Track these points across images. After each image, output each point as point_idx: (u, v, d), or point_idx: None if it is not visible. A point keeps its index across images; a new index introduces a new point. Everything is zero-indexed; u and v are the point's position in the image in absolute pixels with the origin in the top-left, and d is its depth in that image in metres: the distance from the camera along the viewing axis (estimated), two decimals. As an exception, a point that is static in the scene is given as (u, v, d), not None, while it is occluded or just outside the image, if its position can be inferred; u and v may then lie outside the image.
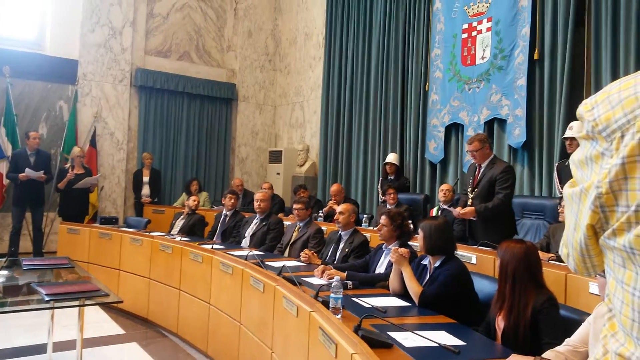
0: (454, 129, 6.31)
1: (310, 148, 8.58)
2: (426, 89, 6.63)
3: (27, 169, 6.20)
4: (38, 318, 4.17)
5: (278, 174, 8.75)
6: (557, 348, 1.88)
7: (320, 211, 6.05)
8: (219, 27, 9.16)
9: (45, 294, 2.88)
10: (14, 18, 7.48)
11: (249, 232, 5.07)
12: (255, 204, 5.07)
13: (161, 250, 4.62)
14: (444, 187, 5.25)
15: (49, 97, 7.48)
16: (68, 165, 6.76)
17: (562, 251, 0.77)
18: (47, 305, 2.90)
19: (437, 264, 2.82)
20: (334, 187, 6.32)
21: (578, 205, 0.71)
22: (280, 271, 3.13)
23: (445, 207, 4.78)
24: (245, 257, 3.68)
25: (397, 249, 2.92)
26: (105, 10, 7.87)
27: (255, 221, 5.10)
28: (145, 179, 7.70)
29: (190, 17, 8.80)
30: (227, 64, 9.25)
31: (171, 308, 4.41)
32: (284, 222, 5.20)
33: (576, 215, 0.72)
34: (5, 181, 6.84)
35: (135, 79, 8.16)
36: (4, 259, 4.15)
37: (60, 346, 3.77)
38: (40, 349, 3.82)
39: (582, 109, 0.72)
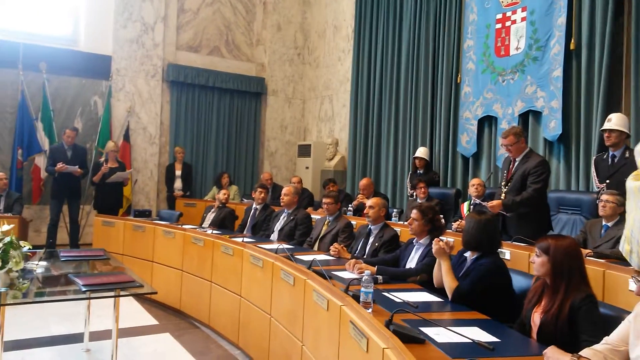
0: (487, 122, 6.18)
1: (339, 142, 8.56)
2: (458, 81, 6.51)
3: (63, 164, 6.36)
4: (75, 308, 4.30)
5: (307, 167, 8.76)
6: (596, 346, 1.82)
7: (350, 205, 6.02)
8: (248, 22, 9.20)
9: (82, 285, 2.95)
10: (49, 15, 7.68)
11: (277, 226, 5.10)
12: (282, 198, 5.11)
13: (193, 243, 4.69)
14: (475, 181, 5.16)
15: (84, 92, 7.66)
16: (103, 159, 6.94)
17: (624, 248, 0.73)
18: (84, 296, 2.98)
19: (473, 258, 2.77)
20: (363, 181, 6.28)
21: None
22: (310, 265, 3.13)
23: (478, 201, 4.69)
24: (275, 251, 3.69)
25: (439, 240, 2.87)
26: (137, 6, 8.00)
27: (283, 215, 5.13)
28: (178, 172, 7.83)
29: (220, 11, 8.87)
30: (256, 58, 9.29)
31: (203, 300, 4.48)
32: (313, 216, 5.20)
33: None
34: (43, 175, 7.06)
35: (167, 74, 8.28)
36: (42, 251, 4.28)
37: (96, 335, 3.87)
38: (77, 337, 3.94)
39: None
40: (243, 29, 9.16)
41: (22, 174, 7.05)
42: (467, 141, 6.35)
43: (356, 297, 2.33)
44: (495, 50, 6.01)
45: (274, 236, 5.04)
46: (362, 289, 2.30)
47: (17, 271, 3.05)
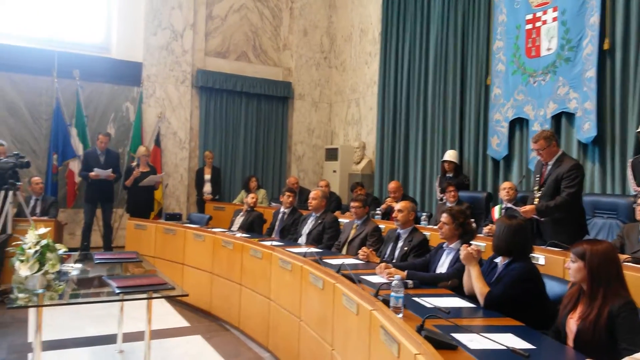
0: (518, 124, 6.07)
1: (366, 145, 8.53)
2: (487, 83, 6.42)
3: (96, 169, 6.53)
4: (109, 309, 4.39)
5: (334, 171, 8.76)
6: (635, 355, 1.76)
7: (378, 209, 6.00)
8: (275, 27, 9.27)
9: (116, 287, 3.02)
10: (82, 24, 7.91)
11: (305, 229, 5.11)
12: (309, 202, 5.12)
13: (223, 246, 4.74)
14: (506, 185, 5.06)
15: (116, 98, 7.85)
16: (134, 163, 7.09)
17: None
18: (117, 298, 3.04)
19: (504, 264, 2.72)
20: (392, 184, 6.24)
21: None
22: (339, 269, 3.13)
23: (510, 205, 4.60)
24: (304, 254, 3.70)
25: (467, 246, 2.84)
26: (166, 13, 8.16)
27: (311, 219, 5.14)
28: (207, 176, 7.94)
29: (247, 17, 8.97)
30: (283, 63, 9.36)
31: (233, 302, 4.52)
32: (341, 220, 5.20)
33: None
34: (77, 179, 7.25)
35: (196, 80, 8.41)
36: (77, 253, 4.39)
37: (129, 337, 3.94)
38: (110, 339, 4.03)
39: None
40: (270, 34, 9.24)
41: (57, 179, 7.26)
42: (497, 144, 6.25)
43: (386, 302, 2.32)
44: (526, 51, 5.91)
45: (302, 240, 5.05)
46: (393, 293, 2.28)
47: (53, 273, 3.13)
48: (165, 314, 4.90)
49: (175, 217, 6.28)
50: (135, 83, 7.94)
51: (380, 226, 4.66)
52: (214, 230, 5.23)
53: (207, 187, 7.90)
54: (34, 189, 6.25)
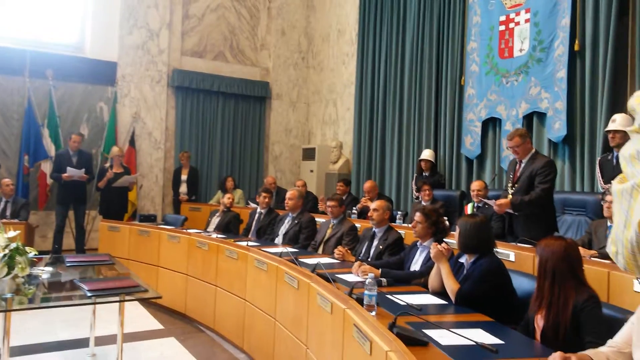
0: (491, 124, 6.17)
1: (343, 145, 8.57)
2: (462, 83, 6.50)
3: (69, 169, 6.43)
4: (81, 313, 4.30)
5: (312, 171, 8.77)
6: (600, 348, 1.80)
7: (354, 208, 6.02)
8: (252, 26, 9.24)
9: (88, 290, 2.96)
10: (55, 22, 7.75)
11: (282, 229, 5.10)
12: (286, 202, 5.12)
13: (198, 247, 4.71)
14: (475, 186, 5.08)
15: (90, 98, 7.71)
16: (108, 164, 6.98)
17: (611, 249, 0.74)
18: (89, 301, 2.98)
19: (472, 261, 2.77)
20: (367, 184, 6.28)
21: (629, 202, 0.68)
22: (314, 268, 3.13)
23: (485, 200, 4.63)
24: (280, 254, 3.69)
25: (437, 244, 2.87)
26: (142, 12, 8.05)
27: (288, 219, 5.13)
28: (184, 177, 7.86)
29: (224, 17, 8.91)
30: (260, 63, 9.33)
31: (208, 304, 4.49)
32: (318, 219, 5.21)
33: (626, 212, 0.68)
34: (49, 180, 7.10)
35: (172, 79, 8.32)
36: (48, 256, 4.30)
37: (101, 340, 3.88)
38: (83, 342, 3.95)
39: (633, 101, 0.68)
40: (247, 34, 9.19)
41: (29, 180, 7.10)
42: (471, 143, 6.34)
43: (360, 300, 2.33)
44: (499, 52, 6.01)
45: (279, 240, 5.04)
46: (366, 291, 2.30)
47: (23, 277, 3.06)
48: (139, 317, 4.83)
49: (149, 219, 6.20)
50: (110, 83, 7.81)
51: (356, 225, 4.68)
52: (189, 231, 5.18)
53: (183, 188, 7.82)
54: (4, 190, 6.11)
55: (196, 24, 8.68)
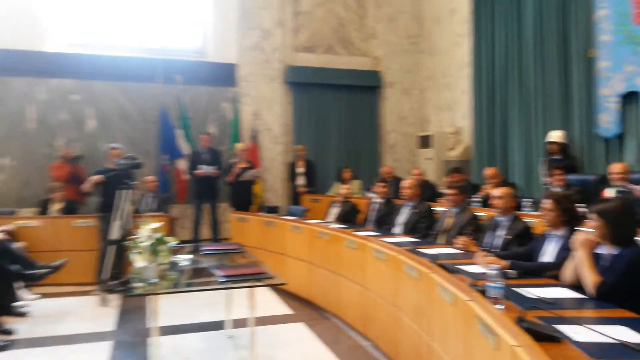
0: (631, 98, 5.53)
1: (462, 130, 8.25)
2: (592, 56, 5.90)
3: (201, 166, 7.08)
4: (217, 297, 4.68)
5: (429, 159, 8.58)
6: None
7: (476, 196, 5.79)
8: (360, 16, 9.24)
9: (221, 276, 3.23)
10: (181, 31, 8.50)
11: (400, 219, 5.07)
12: (403, 192, 5.07)
13: (319, 237, 4.87)
14: (614, 168, 4.58)
15: (215, 99, 8.33)
16: (234, 160, 7.49)
17: None
18: (223, 286, 3.25)
19: (615, 252, 2.51)
20: (488, 170, 5.99)
21: None
22: (434, 258, 3.08)
23: (631, 186, 4.15)
24: (399, 244, 3.69)
25: (584, 233, 2.64)
26: (255, 14, 8.48)
27: (406, 209, 5.09)
28: (300, 170, 8.14)
29: (332, 10, 9.02)
30: (370, 52, 9.30)
31: (331, 291, 4.63)
32: (437, 208, 5.09)
33: None
34: (186, 177, 7.81)
35: (287, 76, 8.65)
36: (187, 246, 4.73)
37: (236, 323, 4.20)
38: (220, 325, 4.31)
39: None
40: (356, 25, 9.22)
41: (168, 177, 7.87)
42: (608, 121, 5.74)
43: (484, 292, 2.25)
44: (634, 17, 5.34)
45: (398, 230, 5.02)
46: (490, 283, 2.21)
47: (165, 264, 3.42)
48: (270, 302, 5.14)
49: (273, 210, 6.54)
50: (231, 84, 8.35)
51: (478, 214, 4.50)
52: (310, 221, 5.37)
53: (300, 180, 8.09)
54: (148, 187, 6.87)
55: (306, 19, 8.90)
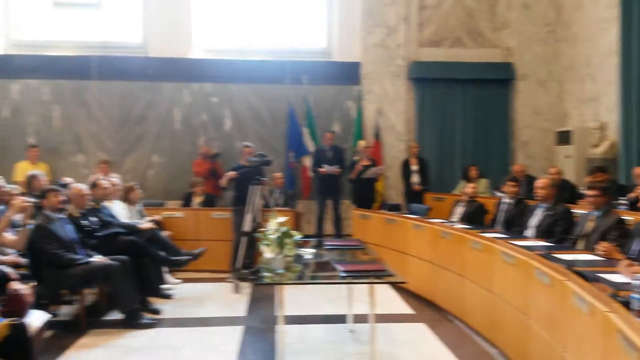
0: None
1: (607, 125, 7.45)
2: None
3: (324, 165, 7.30)
4: (339, 291, 4.80)
5: (568, 156, 7.89)
6: None
7: (623, 198, 5.20)
8: (491, 6, 8.76)
9: (342, 271, 3.30)
10: (307, 32, 8.82)
11: (533, 222, 4.75)
12: (536, 192, 4.73)
13: (442, 237, 4.74)
14: None
15: (339, 98, 8.52)
16: (357, 158, 7.60)
17: None
18: (344, 281, 3.32)
19: None
20: (638, 170, 5.35)
21: None
22: (571, 265, 2.84)
23: None
24: (530, 248, 3.46)
25: None
26: (380, 11, 8.48)
27: (539, 210, 4.74)
28: (414, 167, 7.96)
29: (460, 1, 8.68)
30: (502, 43, 8.78)
31: (455, 293, 4.49)
32: (576, 211, 4.67)
33: None
34: (310, 174, 8.10)
35: (411, 72, 8.53)
36: (311, 240, 4.91)
37: (357, 318, 4.26)
38: (341, 318, 4.41)
39: None
40: (485, 14, 8.77)
41: (294, 174, 8.23)
42: None
43: (627, 304, 2.02)
44: None
45: (529, 232, 4.71)
46: (636, 295, 1.98)
47: (291, 256, 3.59)
48: (391, 300, 5.14)
49: (395, 208, 6.51)
50: (355, 82, 8.46)
51: (624, 218, 4.04)
52: (432, 220, 5.25)
53: (415, 178, 7.91)
54: (276, 183, 7.28)
55: (432, 13, 8.68)
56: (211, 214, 6.71)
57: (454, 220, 5.73)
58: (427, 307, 4.91)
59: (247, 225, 5.60)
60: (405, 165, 8.10)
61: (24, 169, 7.01)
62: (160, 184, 8.31)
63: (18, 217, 3.80)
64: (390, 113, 8.54)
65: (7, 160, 7.77)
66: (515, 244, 3.67)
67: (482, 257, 4.01)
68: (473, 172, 7.44)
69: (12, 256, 4.08)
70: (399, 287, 5.35)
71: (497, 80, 8.66)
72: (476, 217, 5.66)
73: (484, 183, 7.51)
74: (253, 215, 5.64)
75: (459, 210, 5.90)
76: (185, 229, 6.58)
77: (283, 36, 8.76)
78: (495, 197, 6.68)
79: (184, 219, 6.69)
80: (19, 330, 2.64)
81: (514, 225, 5.11)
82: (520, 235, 4.66)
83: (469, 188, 5.95)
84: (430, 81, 8.57)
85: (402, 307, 4.98)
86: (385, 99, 8.54)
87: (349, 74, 8.45)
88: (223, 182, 6.35)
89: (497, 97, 8.71)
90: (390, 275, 3.29)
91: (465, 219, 5.63)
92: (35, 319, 2.96)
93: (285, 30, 8.76)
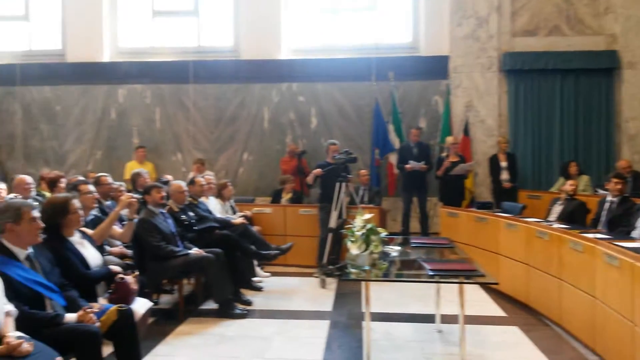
0: None
1: None
2: None
3: (410, 161, 7.18)
4: (426, 290, 4.72)
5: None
6: None
7: None
8: (592, -10, 8.14)
9: (430, 269, 3.23)
10: (393, 28, 8.70)
11: (641, 220, 4.36)
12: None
13: (538, 237, 4.50)
14: None
15: (426, 93, 8.34)
16: (444, 154, 7.40)
17: None
18: (432, 280, 3.25)
19: None
20: None
21: None
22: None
23: None
24: (637, 250, 3.18)
25: None
26: (470, 2, 8.17)
27: (649, 208, 4.35)
28: (503, 164, 7.59)
29: (558, -13, 8.14)
30: (605, 29, 8.11)
31: (552, 297, 4.25)
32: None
33: None
34: (395, 171, 8.02)
35: (503, 63, 8.13)
36: (398, 237, 4.86)
37: (445, 318, 4.16)
38: (429, 318, 4.33)
39: None
40: (586, 0, 8.15)
41: (379, 171, 8.19)
42: None
43: None
44: None
45: (636, 233, 4.33)
46: None
47: (377, 253, 3.58)
48: (481, 301, 4.97)
49: (486, 206, 6.27)
50: (443, 76, 8.24)
51: None
52: (527, 219, 4.99)
53: (504, 175, 7.54)
54: (361, 180, 7.30)
55: (526, 1, 8.21)
56: (298, 210, 6.87)
57: (551, 219, 5.41)
58: (520, 310, 4.69)
59: (333, 222, 5.67)
60: (494, 161, 7.76)
61: (132, 167, 7.60)
62: (251, 181, 8.64)
63: (125, 212, 4.13)
64: (480, 107, 8.22)
65: (115, 158, 8.56)
66: (620, 245, 3.39)
67: (583, 259, 3.75)
68: (573, 169, 7.01)
69: (119, 247, 4.47)
70: (490, 288, 5.15)
71: (599, 70, 8.02)
72: (576, 216, 5.32)
73: (584, 180, 7.03)
74: (339, 212, 5.69)
75: (557, 208, 5.56)
76: (274, 225, 6.80)
77: (368, 33, 8.72)
78: (597, 195, 6.23)
79: (273, 214, 6.92)
80: (126, 316, 2.86)
81: (618, 225, 4.77)
82: (625, 236, 4.30)
83: (568, 185, 5.60)
84: (525, 72, 8.12)
85: (493, 309, 4.79)
86: (475, 92, 8.23)
87: (436, 68, 8.24)
88: (309, 179, 6.47)
89: (599, 88, 8.07)
90: (481, 276, 3.17)
91: (564, 218, 5.30)
92: (140, 306, 3.18)
93: (370, 26, 8.72)
